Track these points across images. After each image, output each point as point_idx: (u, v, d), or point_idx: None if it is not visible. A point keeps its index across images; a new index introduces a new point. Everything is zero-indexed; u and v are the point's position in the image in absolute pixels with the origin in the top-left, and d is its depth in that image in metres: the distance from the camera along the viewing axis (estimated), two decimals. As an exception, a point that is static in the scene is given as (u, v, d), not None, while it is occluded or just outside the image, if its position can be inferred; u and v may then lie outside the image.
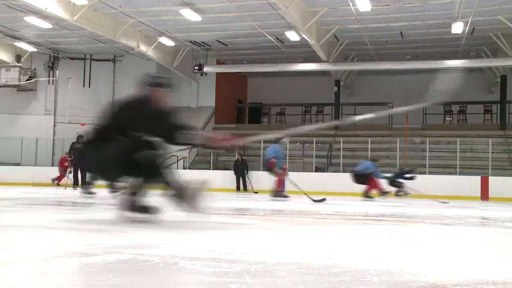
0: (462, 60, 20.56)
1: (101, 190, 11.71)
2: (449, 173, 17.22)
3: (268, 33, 19.18)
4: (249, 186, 17.64)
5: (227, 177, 18.03)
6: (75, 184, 16.48)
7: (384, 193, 13.21)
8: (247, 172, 17.87)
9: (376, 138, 20.50)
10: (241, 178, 17.85)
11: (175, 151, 20.67)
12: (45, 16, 17.03)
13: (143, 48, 20.12)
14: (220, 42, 21.22)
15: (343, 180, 17.26)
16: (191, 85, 24.48)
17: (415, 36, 19.58)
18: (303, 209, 7.40)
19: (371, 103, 23.80)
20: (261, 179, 17.99)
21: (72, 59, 23.66)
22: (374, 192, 12.88)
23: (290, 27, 17.86)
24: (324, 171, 19.40)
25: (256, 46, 21.52)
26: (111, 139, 3.92)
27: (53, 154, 22.37)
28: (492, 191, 15.92)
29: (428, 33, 19.01)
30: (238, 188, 17.75)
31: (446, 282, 1.97)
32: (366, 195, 12.62)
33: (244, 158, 18.35)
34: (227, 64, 24.63)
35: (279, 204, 9.15)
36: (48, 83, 23.61)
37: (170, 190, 3.95)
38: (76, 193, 11.54)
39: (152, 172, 3.89)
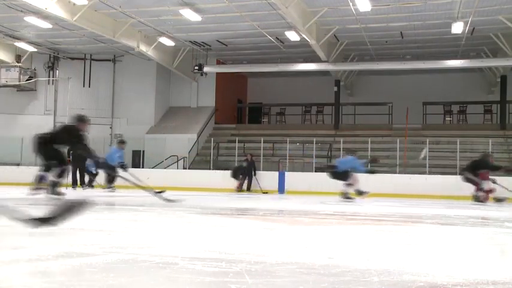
0: (462, 60, 20.54)
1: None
2: (449, 173, 17.15)
3: (268, 33, 19.16)
4: (256, 186, 17.74)
5: (227, 177, 18.02)
6: (75, 184, 16.52)
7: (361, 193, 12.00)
8: (255, 174, 17.96)
9: (376, 138, 20.47)
10: (247, 177, 17.90)
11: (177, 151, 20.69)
12: (45, 16, 17.02)
13: (143, 48, 20.10)
14: (220, 42, 21.21)
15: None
16: (191, 85, 24.47)
17: (415, 36, 19.56)
18: (303, 209, 7.39)
19: (371, 103, 23.81)
20: (261, 179, 18.03)
21: (72, 59, 23.64)
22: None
23: (290, 27, 17.85)
24: (324, 171, 19.35)
25: (256, 46, 21.50)
26: None
27: (53, 154, 22.37)
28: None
29: (428, 33, 18.99)
30: (248, 188, 17.83)
31: (447, 282, 1.97)
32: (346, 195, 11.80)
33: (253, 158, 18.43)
34: (227, 64, 24.61)
35: (279, 204, 9.16)
36: (48, 83, 23.58)
37: None
38: (76, 193, 11.54)
39: None
